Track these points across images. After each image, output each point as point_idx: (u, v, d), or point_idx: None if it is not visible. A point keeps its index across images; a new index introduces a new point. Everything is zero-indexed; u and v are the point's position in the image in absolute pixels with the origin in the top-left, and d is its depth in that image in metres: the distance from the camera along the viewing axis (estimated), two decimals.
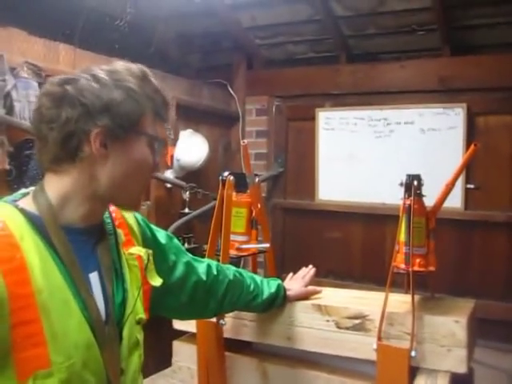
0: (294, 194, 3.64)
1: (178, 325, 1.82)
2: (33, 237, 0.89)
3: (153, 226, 1.24)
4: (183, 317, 1.55)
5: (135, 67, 0.98)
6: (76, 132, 0.91)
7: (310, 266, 1.80)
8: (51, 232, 0.91)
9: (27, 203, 0.93)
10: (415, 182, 1.54)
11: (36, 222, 0.90)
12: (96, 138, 0.92)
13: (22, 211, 0.91)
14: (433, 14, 2.89)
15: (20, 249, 0.85)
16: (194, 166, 3.14)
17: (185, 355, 1.84)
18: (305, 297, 1.67)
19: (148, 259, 1.05)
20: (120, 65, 0.97)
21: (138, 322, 1.05)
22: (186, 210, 3.13)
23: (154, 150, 0.99)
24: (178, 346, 1.88)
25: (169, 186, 3.03)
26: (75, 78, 0.93)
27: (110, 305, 0.97)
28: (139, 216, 1.19)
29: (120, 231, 1.07)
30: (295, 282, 1.70)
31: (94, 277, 0.97)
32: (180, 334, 1.89)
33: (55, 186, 0.95)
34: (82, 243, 0.97)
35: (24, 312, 0.83)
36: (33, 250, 0.87)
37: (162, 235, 1.26)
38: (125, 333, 0.99)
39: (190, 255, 1.36)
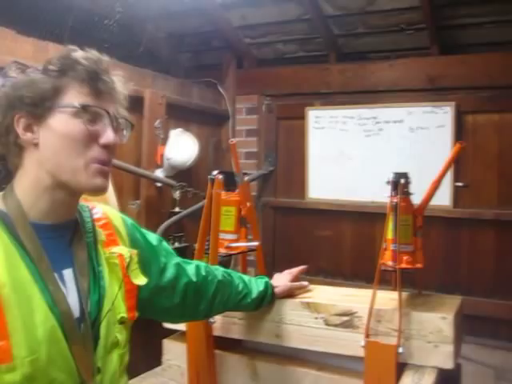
0: (285, 192, 3.65)
1: (168, 323, 1.82)
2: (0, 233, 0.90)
3: (143, 229, 1.24)
4: (175, 319, 1.54)
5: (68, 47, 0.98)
6: (8, 125, 0.94)
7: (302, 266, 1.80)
8: (19, 228, 0.92)
9: None
10: (402, 180, 1.55)
11: (4, 219, 0.92)
12: (18, 124, 0.94)
13: None
14: (421, 13, 2.92)
15: None
16: (184, 165, 3.14)
17: (175, 353, 1.84)
18: (291, 292, 1.67)
19: (130, 257, 1.05)
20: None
21: (122, 322, 1.03)
22: (177, 209, 3.14)
23: (86, 119, 0.94)
24: (168, 345, 1.88)
25: (159, 185, 3.03)
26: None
27: (84, 301, 0.96)
28: (128, 219, 1.19)
29: (100, 230, 1.07)
30: (282, 277, 1.70)
31: (68, 273, 0.97)
32: (170, 333, 1.90)
33: (19, 183, 0.96)
34: (55, 239, 0.97)
35: None
36: None
37: (152, 238, 1.26)
38: (102, 331, 0.98)
39: (179, 257, 1.36)
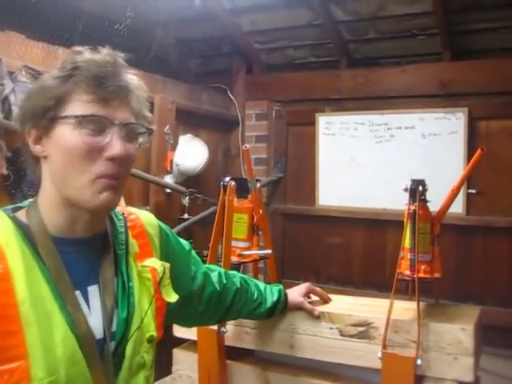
0: (294, 199, 3.62)
1: (179, 332, 1.79)
2: (20, 245, 0.86)
3: (176, 236, 1.20)
4: (190, 324, 1.51)
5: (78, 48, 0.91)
6: (24, 135, 0.92)
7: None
8: (39, 241, 0.88)
9: (23, 214, 0.92)
10: (420, 188, 1.52)
11: (26, 232, 0.88)
12: (29, 138, 0.91)
13: (14, 219, 0.89)
14: (433, 18, 2.89)
15: (4, 257, 0.83)
16: (193, 171, 3.12)
17: (185, 363, 1.80)
18: (300, 308, 1.60)
19: (163, 273, 0.99)
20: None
21: (150, 341, 0.98)
22: (186, 216, 3.11)
23: (88, 130, 0.87)
24: (178, 354, 1.84)
25: (168, 191, 3.01)
26: None
27: (107, 320, 0.91)
28: (164, 227, 1.14)
29: (133, 242, 1.02)
30: (296, 290, 1.63)
31: (93, 290, 0.92)
32: (180, 342, 1.86)
33: (41, 196, 0.93)
34: (79, 254, 0.93)
35: (5, 322, 0.80)
36: (18, 259, 0.84)
37: (185, 245, 1.22)
38: (127, 351, 0.93)
39: (204, 264, 1.33)
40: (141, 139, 0.96)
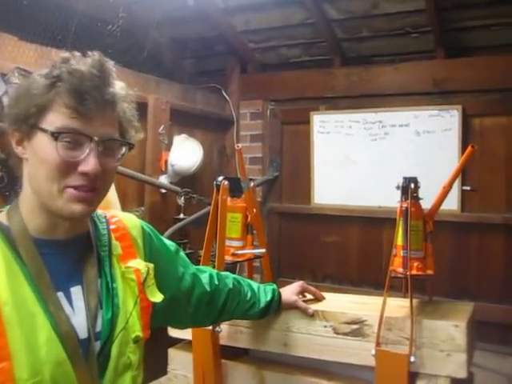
0: (290, 198, 3.62)
1: (174, 332, 1.79)
2: (1, 247, 0.87)
3: (161, 237, 1.20)
4: (181, 326, 1.51)
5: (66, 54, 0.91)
6: (8, 135, 0.92)
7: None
8: (19, 243, 0.88)
9: (3, 216, 0.92)
10: (412, 185, 1.52)
11: (7, 234, 0.88)
12: (12, 138, 0.92)
13: None
14: (426, 16, 2.89)
15: None
16: (188, 171, 3.11)
17: (181, 363, 1.81)
18: (295, 307, 1.60)
19: (147, 273, 1.00)
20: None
21: (136, 341, 0.98)
22: (181, 216, 3.11)
23: (64, 144, 0.86)
24: (173, 354, 1.85)
25: (163, 191, 3.01)
26: None
27: (90, 320, 0.91)
28: (147, 228, 1.14)
29: (116, 243, 1.02)
30: (289, 288, 1.63)
31: (76, 291, 0.92)
32: (175, 342, 1.86)
33: (22, 198, 0.94)
34: (61, 256, 0.93)
35: None
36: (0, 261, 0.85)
37: (170, 246, 1.22)
38: (113, 352, 0.93)
39: (194, 266, 1.33)
40: (123, 151, 0.95)
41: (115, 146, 0.93)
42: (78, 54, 0.91)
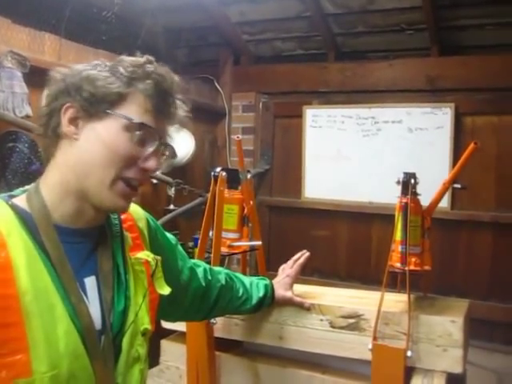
0: (280, 191, 3.62)
1: (167, 324, 1.78)
2: (21, 234, 0.83)
3: (163, 230, 1.19)
4: (172, 319, 1.50)
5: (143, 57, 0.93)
6: (55, 109, 0.89)
7: (305, 251, 1.76)
8: (41, 230, 0.85)
9: (22, 200, 0.89)
10: (412, 181, 1.52)
11: (27, 220, 0.85)
12: (65, 114, 0.88)
13: (14, 207, 0.86)
14: (422, 13, 2.90)
15: (6, 246, 0.80)
16: (180, 162, 3.09)
17: (173, 355, 1.79)
18: (291, 304, 1.59)
19: (156, 265, 0.98)
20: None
21: (143, 334, 0.97)
22: (171, 207, 3.08)
23: (135, 137, 0.88)
24: (166, 345, 1.84)
25: (155, 181, 2.98)
26: None
27: (107, 313, 0.90)
28: (152, 220, 1.13)
29: (128, 234, 1.01)
30: (283, 283, 1.61)
31: (90, 281, 0.90)
32: (168, 333, 1.85)
33: (47, 179, 0.90)
34: (79, 245, 0.91)
35: (5, 314, 0.78)
36: (20, 249, 0.82)
37: (171, 239, 1.21)
38: (124, 344, 0.92)
39: (191, 259, 1.32)
40: (164, 160, 0.98)
41: (164, 151, 0.96)
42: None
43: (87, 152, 0.87)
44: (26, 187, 0.92)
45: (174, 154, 0.99)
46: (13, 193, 0.92)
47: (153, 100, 0.89)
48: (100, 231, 0.95)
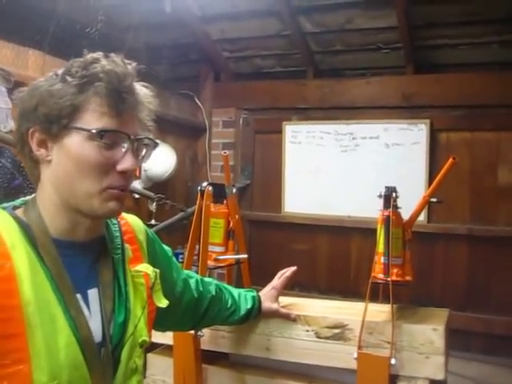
0: (261, 206, 3.66)
1: (154, 337, 1.78)
2: (25, 247, 0.85)
3: (160, 242, 1.20)
4: (163, 329, 1.51)
5: (96, 54, 0.89)
6: (23, 135, 0.89)
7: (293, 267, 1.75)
8: (40, 244, 0.86)
9: (22, 212, 0.90)
10: (393, 194, 1.58)
11: (29, 232, 0.87)
12: (32, 138, 0.88)
13: (17, 220, 0.88)
14: (398, 33, 3.00)
15: (10, 258, 0.82)
16: (161, 177, 3.11)
17: (160, 368, 1.80)
18: (277, 315, 1.61)
19: (155, 278, 1.00)
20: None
21: (141, 345, 0.98)
22: (153, 222, 3.09)
23: (103, 143, 0.86)
24: (152, 359, 1.83)
25: (137, 196, 2.99)
26: None
27: (106, 324, 0.91)
28: (150, 232, 1.14)
29: (128, 247, 1.01)
30: (269, 296, 1.63)
31: (93, 293, 0.92)
32: (154, 347, 1.85)
33: (40, 196, 0.92)
34: (79, 257, 0.92)
35: (8, 324, 0.79)
36: (24, 260, 0.83)
37: (168, 251, 1.23)
38: (123, 356, 0.93)
39: (184, 271, 1.34)
40: (145, 152, 0.96)
41: (140, 145, 0.94)
42: (101, 53, 0.90)
43: (63, 171, 0.88)
44: (27, 198, 0.94)
45: (153, 144, 0.97)
46: (15, 203, 0.93)
47: (108, 100, 0.86)
48: (101, 243, 0.97)
